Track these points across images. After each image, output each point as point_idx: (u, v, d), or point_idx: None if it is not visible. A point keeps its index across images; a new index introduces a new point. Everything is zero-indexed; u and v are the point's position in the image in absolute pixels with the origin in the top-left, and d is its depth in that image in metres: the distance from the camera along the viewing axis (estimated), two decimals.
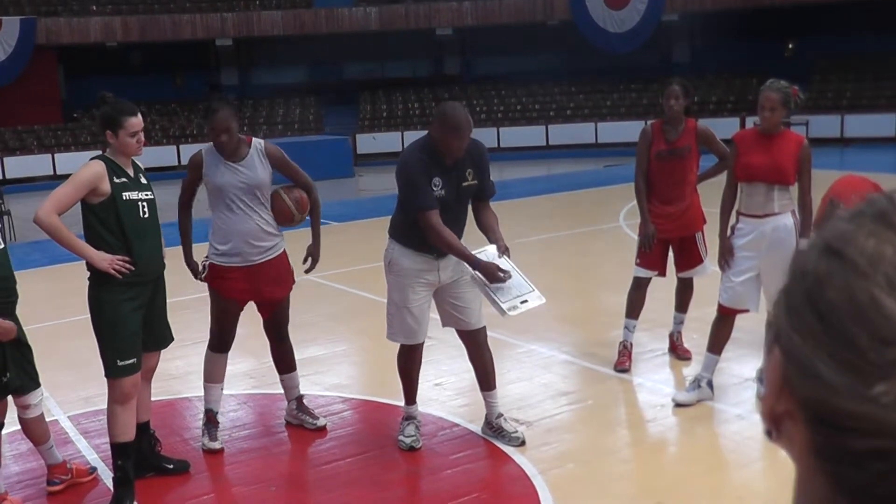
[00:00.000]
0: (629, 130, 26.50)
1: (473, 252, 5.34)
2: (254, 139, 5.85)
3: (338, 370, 7.68)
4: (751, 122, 25.97)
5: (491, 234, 5.49)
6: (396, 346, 5.90)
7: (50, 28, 30.21)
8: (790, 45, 33.16)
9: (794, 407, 0.67)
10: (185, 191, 5.90)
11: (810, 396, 0.65)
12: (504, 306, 5.19)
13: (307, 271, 6.13)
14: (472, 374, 5.99)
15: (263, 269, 5.79)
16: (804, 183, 6.04)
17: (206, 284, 5.91)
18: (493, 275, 5.28)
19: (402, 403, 6.02)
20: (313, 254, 6.08)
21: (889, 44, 29.97)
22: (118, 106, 5.08)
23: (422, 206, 5.34)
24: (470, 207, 5.70)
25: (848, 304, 0.63)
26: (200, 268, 5.85)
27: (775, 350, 0.70)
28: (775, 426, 0.70)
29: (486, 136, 25.42)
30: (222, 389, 6.09)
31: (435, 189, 5.37)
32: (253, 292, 5.86)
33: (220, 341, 5.97)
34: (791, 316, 0.68)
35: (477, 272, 5.28)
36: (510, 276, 5.30)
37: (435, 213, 5.31)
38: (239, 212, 5.68)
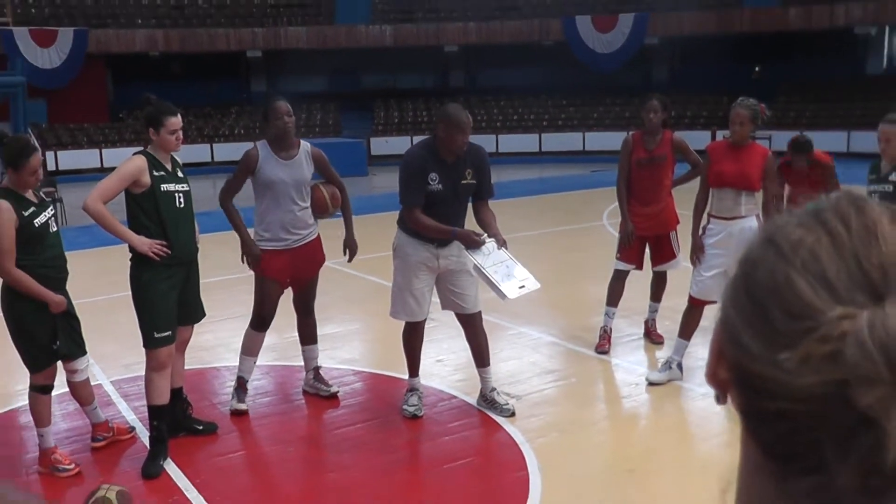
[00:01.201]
0: (613, 140, 26.42)
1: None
2: (302, 141, 5.88)
3: (350, 346, 7.68)
4: (720, 135, 25.98)
5: (489, 229, 5.50)
6: (402, 327, 5.90)
7: (100, 38, 30.13)
8: (757, 69, 33.11)
9: (728, 372, 0.70)
10: (235, 181, 5.79)
11: (735, 362, 0.67)
12: (504, 291, 5.18)
13: (349, 260, 6.13)
14: (469, 352, 5.99)
15: (301, 251, 5.84)
16: (768, 190, 6.04)
17: (238, 268, 5.92)
18: (471, 240, 5.34)
19: (406, 377, 6.02)
20: (350, 245, 6.09)
21: (842, 70, 30.01)
22: (161, 107, 5.09)
23: (408, 202, 5.45)
24: (471, 207, 5.70)
25: (769, 282, 0.65)
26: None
27: (717, 322, 0.72)
28: (721, 391, 0.73)
29: (485, 142, 25.28)
30: (255, 362, 6.10)
31: (431, 183, 5.40)
32: (292, 270, 5.88)
33: (261, 321, 5.96)
34: (730, 293, 0.70)
35: (473, 256, 5.28)
36: (485, 242, 5.33)
37: (418, 209, 5.40)
38: (284, 204, 5.70)
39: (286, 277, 5.91)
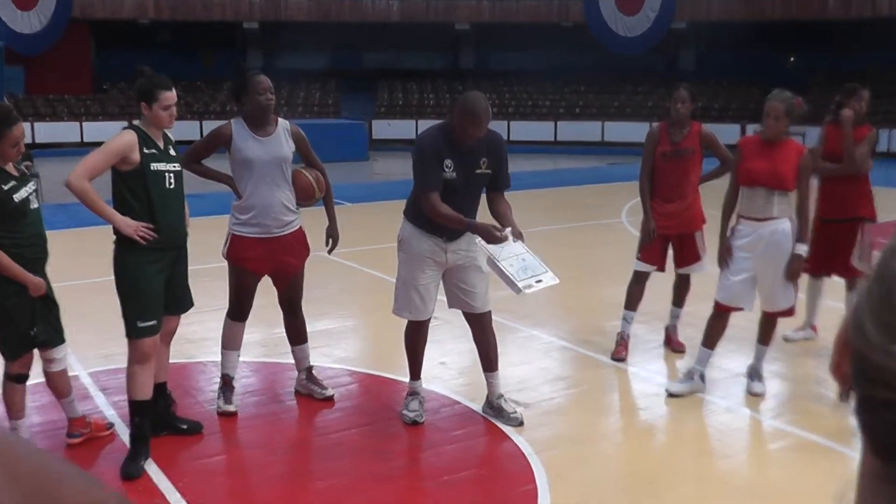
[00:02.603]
0: (634, 131, 26.48)
1: None
2: (280, 119, 5.88)
3: (346, 344, 7.69)
4: (751, 129, 25.91)
5: (504, 221, 5.48)
6: (404, 324, 5.90)
7: (85, 2, 30.15)
8: (791, 59, 33.06)
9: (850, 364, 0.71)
10: (201, 146, 5.92)
11: (856, 350, 0.69)
12: (519, 284, 5.16)
13: (330, 251, 6.14)
14: (476, 354, 5.99)
15: (281, 242, 5.81)
16: (802, 190, 6.04)
17: (225, 254, 5.92)
18: (490, 234, 5.28)
19: (407, 379, 6.02)
20: (333, 235, 6.09)
21: (881, 61, 29.91)
22: (154, 80, 5.07)
23: (425, 184, 5.39)
24: (485, 197, 5.69)
25: None
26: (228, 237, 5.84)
27: (848, 312, 0.75)
28: (845, 386, 0.75)
29: (496, 130, 25.20)
30: (239, 356, 6.11)
31: (446, 171, 5.38)
32: (270, 264, 5.86)
33: (239, 311, 5.98)
34: (866, 282, 0.72)
35: (487, 247, 5.27)
36: (507, 237, 5.30)
37: (436, 193, 5.35)
38: (264, 184, 5.68)
39: (264, 270, 5.90)
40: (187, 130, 28.16)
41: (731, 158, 6.65)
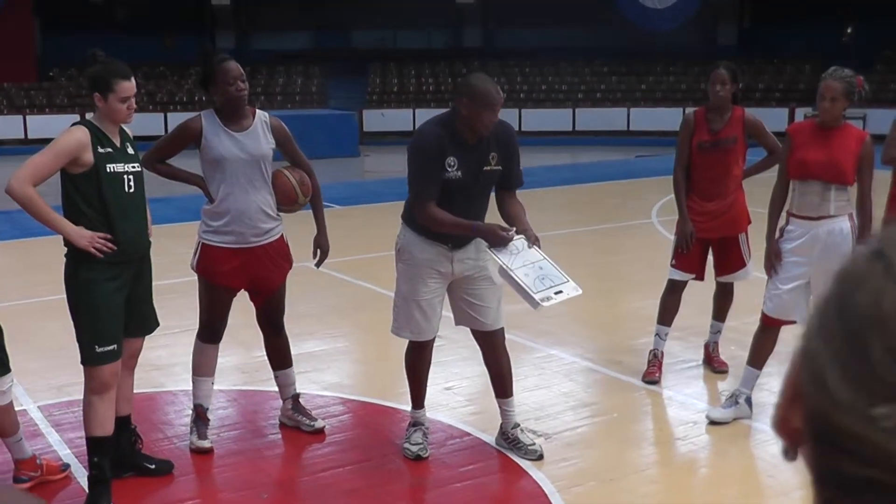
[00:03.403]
0: (664, 118, 26.52)
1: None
2: (258, 111, 5.89)
3: (338, 368, 7.71)
4: (801, 113, 25.91)
5: (518, 224, 5.49)
6: (403, 344, 5.92)
7: None
8: (849, 29, 33.03)
9: (804, 422, 0.65)
10: (166, 145, 5.93)
11: (815, 408, 0.63)
12: (537, 297, 5.17)
13: (318, 265, 6.16)
14: (486, 378, 6.01)
15: (259, 254, 5.81)
16: (865, 183, 6.03)
17: (195, 267, 5.94)
18: (496, 236, 5.30)
19: (408, 407, 6.04)
20: (322, 245, 6.11)
21: None
22: (110, 67, 5.07)
23: (419, 193, 5.41)
24: (494, 198, 5.71)
25: (873, 309, 0.61)
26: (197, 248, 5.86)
27: (797, 354, 0.69)
28: (792, 444, 0.69)
29: (506, 118, 25.08)
30: (213, 384, 6.12)
31: (450, 170, 5.39)
32: (247, 279, 5.88)
33: (211, 331, 5.99)
34: (818, 317, 0.66)
35: (498, 256, 5.28)
36: (514, 237, 5.32)
37: (431, 203, 5.36)
38: (239, 187, 5.69)
39: (239, 284, 5.93)
40: (149, 124, 28.21)
41: (779, 148, 6.66)
